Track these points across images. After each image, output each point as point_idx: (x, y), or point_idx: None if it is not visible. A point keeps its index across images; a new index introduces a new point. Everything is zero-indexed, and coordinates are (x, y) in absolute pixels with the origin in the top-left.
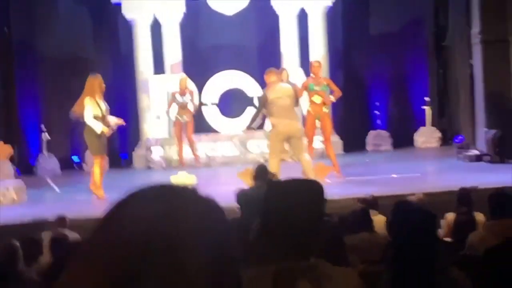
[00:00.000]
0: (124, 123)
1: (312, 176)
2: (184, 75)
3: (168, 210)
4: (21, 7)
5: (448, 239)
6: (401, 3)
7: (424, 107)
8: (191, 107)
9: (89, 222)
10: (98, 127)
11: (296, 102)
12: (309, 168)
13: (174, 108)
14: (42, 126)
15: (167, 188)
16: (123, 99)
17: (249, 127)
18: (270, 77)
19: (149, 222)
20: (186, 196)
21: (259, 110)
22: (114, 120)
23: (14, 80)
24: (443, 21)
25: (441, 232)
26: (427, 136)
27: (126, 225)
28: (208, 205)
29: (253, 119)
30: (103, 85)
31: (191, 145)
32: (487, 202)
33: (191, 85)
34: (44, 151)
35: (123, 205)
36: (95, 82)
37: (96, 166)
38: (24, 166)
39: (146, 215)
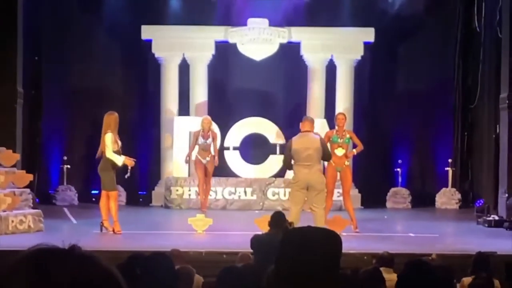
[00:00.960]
0: (133, 164)
1: None
2: (208, 117)
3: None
4: (53, 38)
5: None
6: (430, 62)
7: (447, 168)
8: (212, 150)
9: (102, 254)
10: (120, 159)
11: (322, 155)
12: (321, 223)
13: (196, 149)
14: (65, 158)
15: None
16: (147, 136)
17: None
18: (304, 126)
19: None
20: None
21: (285, 156)
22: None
23: (41, 109)
24: (472, 83)
25: None
26: (447, 197)
27: None
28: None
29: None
30: (118, 122)
31: (207, 188)
32: (504, 268)
33: (215, 128)
34: (64, 182)
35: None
36: (112, 118)
37: (114, 201)
38: (44, 196)
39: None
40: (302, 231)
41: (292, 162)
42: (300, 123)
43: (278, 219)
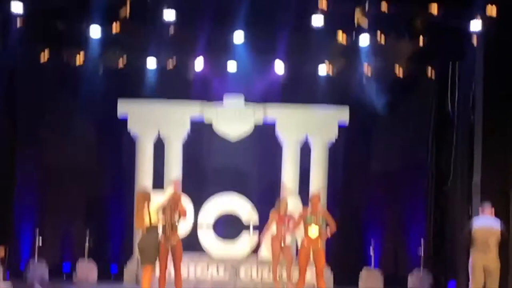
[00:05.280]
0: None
1: None
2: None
3: None
4: (28, 114)
5: None
6: (403, 145)
7: (420, 249)
8: (179, 229)
9: None
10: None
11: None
12: None
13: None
14: (37, 231)
15: None
16: (120, 212)
17: None
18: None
19: None
20: None
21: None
22: None
23: (14, 183)
24: (445, 166)
25: None
26: (420, 278)
27: None
28: None
29: None
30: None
31: (177, 278)
32: None
33: (186, 203)
34: (35, 257)
35: None
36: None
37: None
38: (14, 270)
39: None
40: None
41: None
42: (480, 208)
43: None
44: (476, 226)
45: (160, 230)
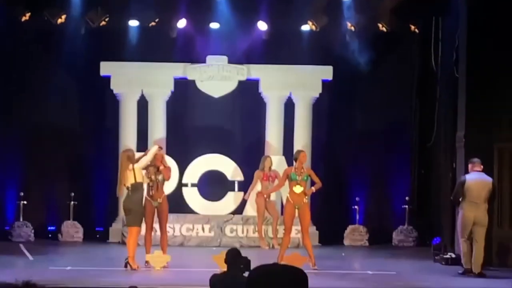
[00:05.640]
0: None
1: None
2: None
3: None
4: (9, 73)
5: None
6: (386, 101)
7: (404, 206)
8: (165, 187)
9: None
10: (150, 154)
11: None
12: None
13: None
14: (21, 193)
15: None
16: (105, 172)
17: None
18: (475, 166)
19: None
20: None
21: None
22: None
23: None
24: (428, 122)
25: None
26: (404, 235)
27: None
28: None
29: None
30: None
31: (163, 237)
32: None
33: (169, 161)
34: (21, 218)
35: None
36: (125, 155)
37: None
38: None
39: None
40: (268, 269)
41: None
42: (470, 164)
43: (234, 256)
44: (469, 180)
45: (145, 190)
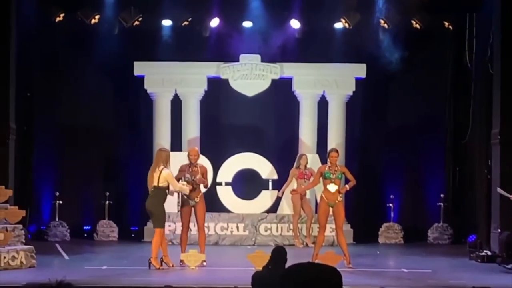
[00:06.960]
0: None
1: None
2: (195, 148)
3: None
4: (45, 74)
5: None
6: (421, 98)
7: (439, 203)
8: (202, 188)
9: None
10: (187, 188)
11: None
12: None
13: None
14: (57, 193)
15: None
16: (139, 171)
17: None
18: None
19: None
20: None
21: None
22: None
23: (33, 145)
24: (463, 119)
25: None
26: (440, 233)
27: None
28: None
29: None
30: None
31: (201, 236)
32: None
33: (205, 162)
34: (56, 218)
35: None
36: (164, 155)
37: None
38: (36, 231)
39: None
40: (303, 268)
41: None
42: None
43: (279, 254)
44: None
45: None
